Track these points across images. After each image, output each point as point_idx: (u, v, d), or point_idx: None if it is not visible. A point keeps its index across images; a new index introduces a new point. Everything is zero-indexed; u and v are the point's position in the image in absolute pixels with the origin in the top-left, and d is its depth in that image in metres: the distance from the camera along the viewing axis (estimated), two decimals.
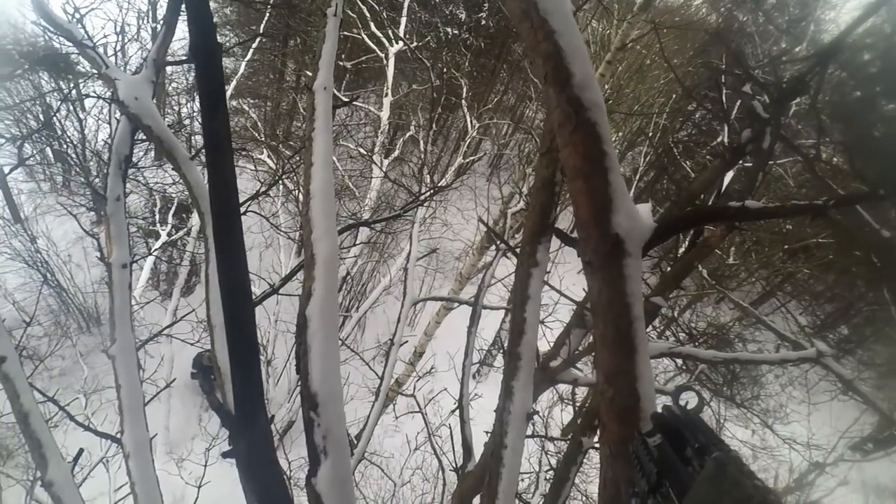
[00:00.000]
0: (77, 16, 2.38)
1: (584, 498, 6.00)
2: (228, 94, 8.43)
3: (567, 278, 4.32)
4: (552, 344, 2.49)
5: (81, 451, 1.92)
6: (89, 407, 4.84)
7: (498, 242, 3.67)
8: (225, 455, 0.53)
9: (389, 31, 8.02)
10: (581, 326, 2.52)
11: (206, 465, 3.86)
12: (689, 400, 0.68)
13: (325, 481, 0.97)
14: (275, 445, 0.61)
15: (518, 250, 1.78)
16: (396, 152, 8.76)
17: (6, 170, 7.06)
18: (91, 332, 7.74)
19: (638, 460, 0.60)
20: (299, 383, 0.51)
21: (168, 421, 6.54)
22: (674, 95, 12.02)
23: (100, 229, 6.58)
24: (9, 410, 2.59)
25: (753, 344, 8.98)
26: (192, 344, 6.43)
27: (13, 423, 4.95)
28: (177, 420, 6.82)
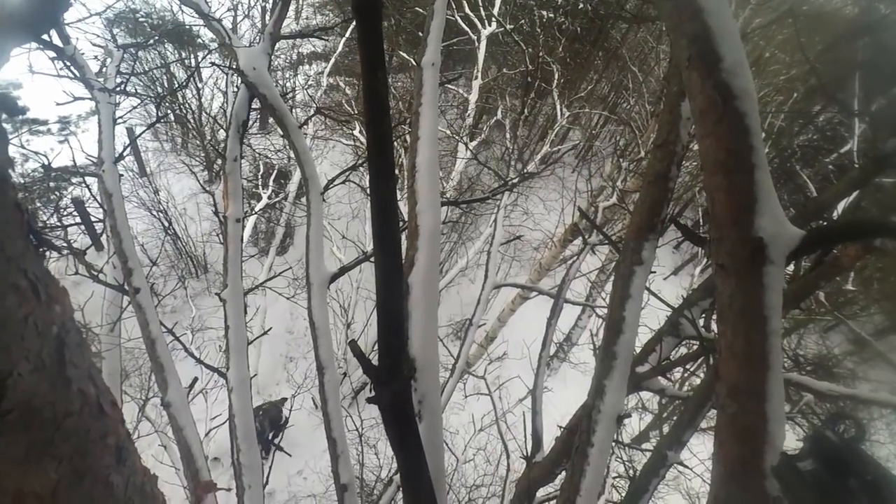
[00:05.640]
0: None
1: None
2: (326, 71, 8.84)
3: (655, 281, 4.07)
4: (639, 348, 2.36)
5: (196, 379, 2.16)
6: (194, 343, 5.46)
7: (587, 237, 3.54)
8: (369, 401, 0.57)
9: (483, 13, 7.91)
10: (674, 335, 2.36)
11: (290, 410, 4.26)
12: (847, 429, 0.60)
13: None
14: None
15: (622, 246, 1.70)
16: (483, 136, 8.71)
17: (142, 127, 8.05)
18: (199, 277, 8.70)
19: (784, 484, 0.54)
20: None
21: (258, 364, 7.11)
22: (795, 94, 10.64)
23: (213, 187, 7.30)
24: (132, 336, 2.99)
25: (866, 383, 7.91)
26: (288, 298, 7.07)
27: (131, 348, 5.76)
28: (265, 366, 7.43)
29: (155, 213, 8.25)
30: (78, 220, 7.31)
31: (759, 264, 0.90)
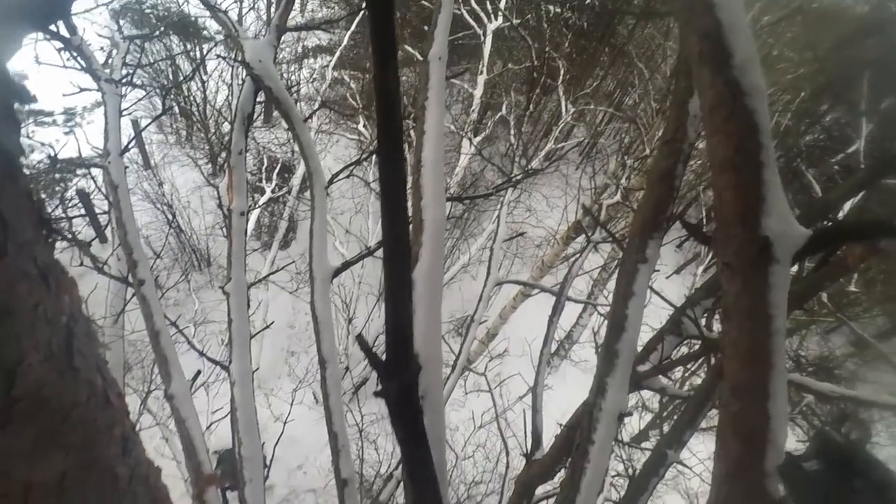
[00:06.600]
0: None
1: None
2: (331, 64, 8.78)
3: (658, 280, 4.06)
4: (641, 347, 2.36)
5: (199, 372, 2.17)
6: (196, 336, 5.48)
7: (590, 234, 3.54)
8: (377, 394, 0.57)
9: (489, 7, 7.87)
10: (676, 334, 2.36)
11: (291, 404, 4.28)
12: (852, 430, 0.60)
13: None
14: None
15: (626, 243, 1.69)
16: (487, 131, 8.68)
17: (147, 119, 8.05)
18: (202, 270, 8.71)
19: (789, 484, 0.54)
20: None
21: (259, 358, 7.10)
22: (802, 93, 10.53)
23: (217, 180, 7.29)
24: (135, 329, 2.99)
25: (867, 384, 7.90)
26: (290, 292, 7.03)
27: (134, 340, 5.78)
28: (266, 360, 7.38)
29: (159, 205, 8.26)
30: (83, 211, 7.32)
31: (766, 263, 0.89)
